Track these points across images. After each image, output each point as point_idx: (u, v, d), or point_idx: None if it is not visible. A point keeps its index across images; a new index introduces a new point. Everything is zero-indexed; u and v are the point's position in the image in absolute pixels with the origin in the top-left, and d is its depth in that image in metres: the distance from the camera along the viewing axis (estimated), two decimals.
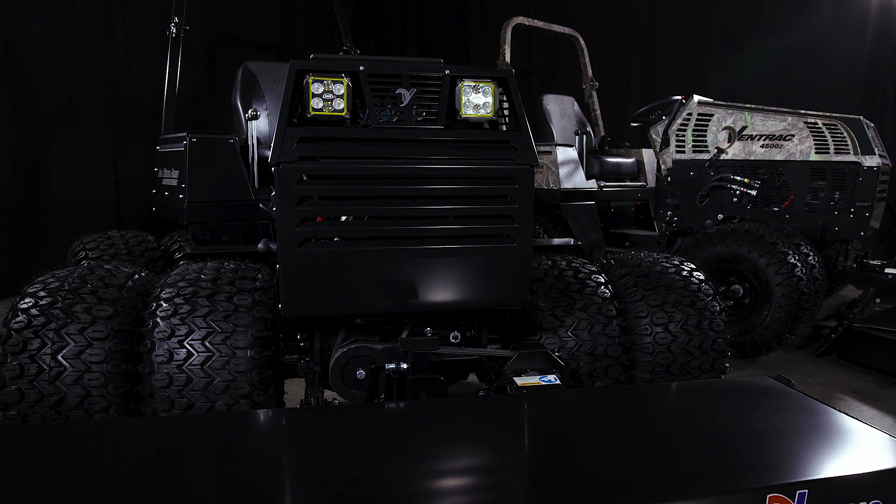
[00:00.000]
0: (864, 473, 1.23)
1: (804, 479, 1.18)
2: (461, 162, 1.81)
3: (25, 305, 1.96)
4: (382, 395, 1.79)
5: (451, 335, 2.11)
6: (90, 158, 5.37)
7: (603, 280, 2.35)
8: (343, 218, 1.83)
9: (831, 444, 1.37)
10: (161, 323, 1.95)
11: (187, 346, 1.93)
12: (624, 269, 2.43)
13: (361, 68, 1.79)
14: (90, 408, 1.90)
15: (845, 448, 1.36)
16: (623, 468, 1.25)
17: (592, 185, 4.83)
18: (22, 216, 5.07)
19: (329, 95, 1.78)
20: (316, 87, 1.77)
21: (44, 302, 1.96)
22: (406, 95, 1.81)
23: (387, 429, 1.50)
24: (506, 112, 1.95)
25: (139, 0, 5.47)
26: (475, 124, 1.90)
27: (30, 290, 2.02)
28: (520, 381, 1.87)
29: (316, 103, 1.77)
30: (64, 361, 1.88)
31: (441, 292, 1.86)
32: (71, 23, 5.18)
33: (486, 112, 1.86)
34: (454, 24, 7.74)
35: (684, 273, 2.39)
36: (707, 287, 2.36)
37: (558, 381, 1.88)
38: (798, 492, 1.15)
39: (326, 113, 1.78)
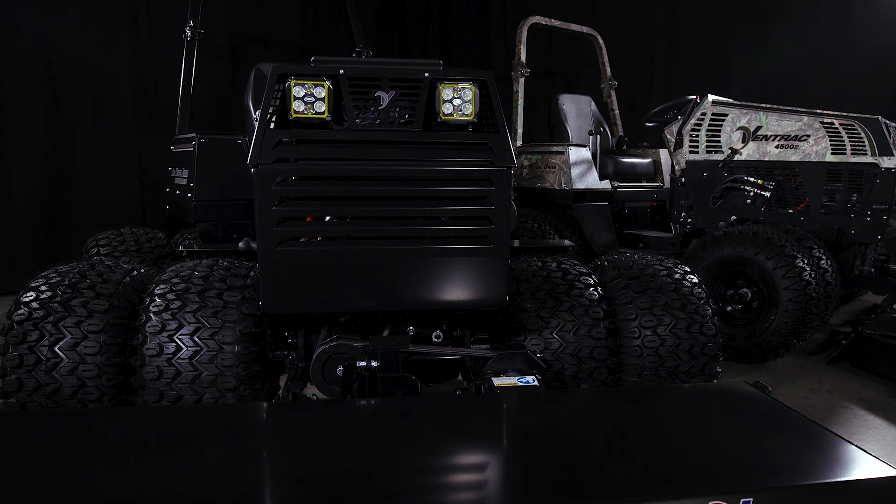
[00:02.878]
0: (815, 484, 1.21)
1: (750, 487, 1.17)
2: (437, 164, 1.83)
3: (27, 299, 2.05)
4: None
5: (434, 334, 2.14)
6: (117, 158, 5.56)
7: (592, 282, 2.34)
8: (328, 218, 1.88)
9: (791, 453, 1.35)
10: (153, 317, 2.02)
11: (177, 340, 2.00)
12: (615, 271, 2.41)
13: (341, 71, 1.83)
14: (84, 398, 1.98)
15: (805, 457, 1.34)
16: (568, 470, 1.25)
17: (606, 185, 4.79)
18: (51, 214, 5.28)
19: (310, 98, 1.82)
20: (297, 91, 1.81)
21: (44, 296, 2.05)
22: (385, 98, 1.84)
23: (353, 425, 1.53)
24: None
25: (165, 3, 5.63)
26: (456, 126, 1.92)
27: (32, 284, 2.12)
28: (497, 381, 1.88)
29: (298, 106, 1.82)
30: (60, 353, 1.97)
31: (418, 292, 1.89)
32: (98, 26, 5.37)
33: (466, 114, 1.88)
34: (477, 25, 7.73)
35: (676, 276, 2.36)
36: (700, 290, 2.33)
37: (536, 383, 1.89)
38: (742, 500, 1.14)
39: (308, 116, 1.82)
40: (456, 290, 1.90)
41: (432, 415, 1.57)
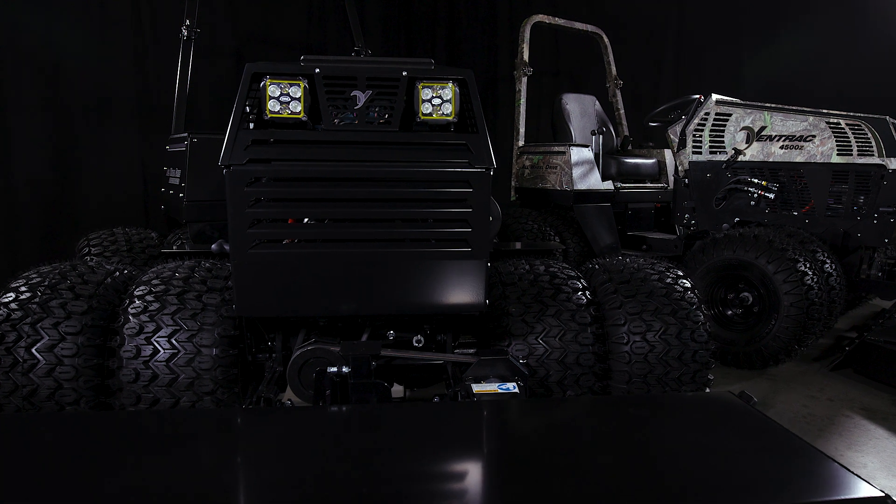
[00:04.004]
0: None
1: None
2: (413, 165, 1.79)
3: (6, 299, 2.04)
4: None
5: (415, 339, 2.09)
6: (120, 157, 5.57)
7: (581, 286, 2.28)
8: (306, 220, 1.84)
9: (770, 470, 1.29)
10: (131, 319, 2.00)
11: (154, 342, 1.98)
12: (606, 275, 2.35)
13: (317, 70, 1.79)
14: (61, 400, 1.97)
15: (784, 475, 1.28)
16: (533, 482, 1.21)
17: (608, 186, 4.72)
18: (54, 213, 5.31)
19: (286, 98, 1.78)
20: (273, 90, 1.78)
21: (23, 296, 2.04)
22: (361, 97, 1.80)
23: (319, 433, 1.49)
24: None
25: (168, 2, 5.63)
26: (437, 126, 1.87)
27: (12, 285, 2.11)
28: (477, 388, 1.84)
29: (273, 106, 1.78)
30: (37, 354, 1.95)
31: (394, 296, 1.84)
32: (101, 26, 5.38)
33: (446, 114, 1.83)
34: (484, 24, 7.68)
35: (668, 280, 2.30)
36: (692, 295, 2.27)
37: (516, 390, 1.84)
38: None
39: (284, 115, 1.79)
40: (433, 295, 1.86)
41: (402, 423, 1.53)
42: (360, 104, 1.79)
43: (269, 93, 1.77)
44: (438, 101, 1.82)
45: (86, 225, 5.27)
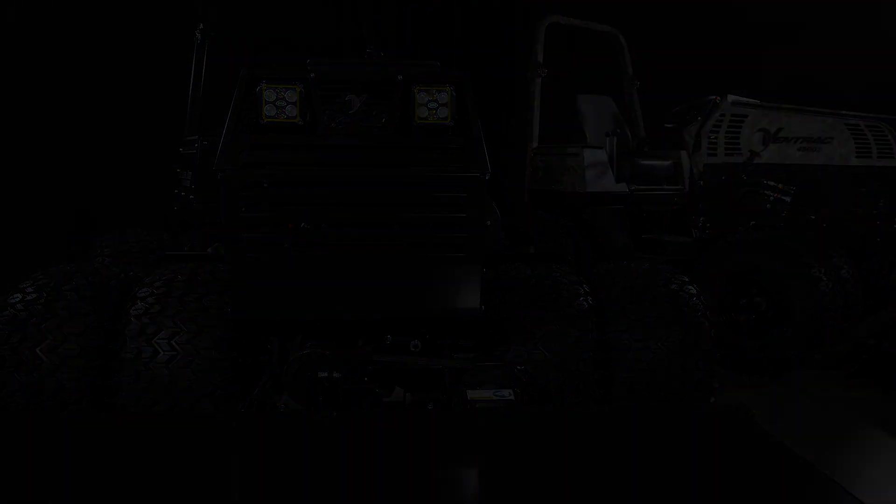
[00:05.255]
0: None
1: None
2: (407, 169, 1.78)
3: (14, 300, 2.08)
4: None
5: (412, 343, 2.08)
6: (144, 158, 5.64)
7: (582, 291, 2.25)
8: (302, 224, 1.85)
9: (759, 490, 1.25)
10: (133, 321, 2.02)
11: (154, 344, 2.00)
12: (609, 280, 2.32)
13: (312, 75, 1.80)
14: (64, 399, 2.00)
15: (775, 495, 1.23)
16: (513, 495, 1.19)
17: (622, 188, 4.65)
18: (80, 213, 5.41)
19: (282, 102, 1.79)
20: (269, 95, 1.78)
21: (30, 297, 2.08)
22: (355, 102, 1.80)
23: (304, 439, 1.50)
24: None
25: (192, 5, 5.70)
26: (433, 130, 1.86)
27: (21, 286, 2.15)
28: (472, 394, 1.82)
29: (269, 110, 1.79)
30: (41, 354, 1.98)
31: (389, 300, 1.84)
32: (128, 27, 5.47)
33: (442, 117, 1.82)
34: (501, 24, 7.64)
35: (673, 286, 2.26)
36: (697, 302, 2.22)
37: (512, 397, 1.82)
38: None
39: (280, 120, 1.80)
40: (428, 299, 1.85)
41: (390, 430, 1.52)
42: (354, 108, 1.79)
43: (264, 97, 1.78)
44: (435, 104, 1.82)
45: (109, 226, 5.34)
